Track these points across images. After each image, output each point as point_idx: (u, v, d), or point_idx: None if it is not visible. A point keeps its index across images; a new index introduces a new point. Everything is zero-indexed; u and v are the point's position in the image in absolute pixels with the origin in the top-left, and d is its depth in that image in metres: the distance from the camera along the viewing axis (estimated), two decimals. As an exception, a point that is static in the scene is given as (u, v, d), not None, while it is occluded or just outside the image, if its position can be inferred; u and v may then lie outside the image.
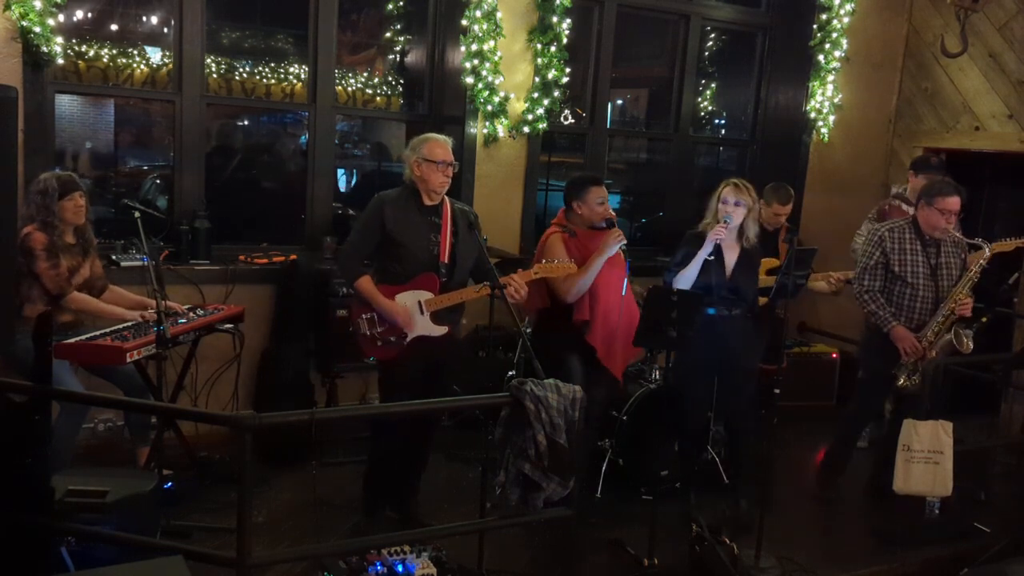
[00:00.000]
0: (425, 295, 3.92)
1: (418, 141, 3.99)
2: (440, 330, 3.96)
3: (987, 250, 4.53)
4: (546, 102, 5.56)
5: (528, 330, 4.50)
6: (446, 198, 4.04)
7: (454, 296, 3.94)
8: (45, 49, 4.32)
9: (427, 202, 3.97)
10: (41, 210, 3.99)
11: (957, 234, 4.57)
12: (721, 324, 4.36)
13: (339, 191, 6.18)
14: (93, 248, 4.25)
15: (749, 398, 4.57)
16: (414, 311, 3.90)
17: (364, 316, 3.94)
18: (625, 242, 4.20)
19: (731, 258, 4.37)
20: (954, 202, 4.47)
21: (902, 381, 4.54)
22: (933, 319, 4.51)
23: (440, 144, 3.97)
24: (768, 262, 4.90)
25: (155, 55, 5.23)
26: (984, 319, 4.77)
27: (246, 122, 6.38)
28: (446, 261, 3.96)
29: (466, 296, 3.98)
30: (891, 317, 4.56)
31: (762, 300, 4.70)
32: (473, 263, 4.08)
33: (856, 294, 4.72)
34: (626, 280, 4.26)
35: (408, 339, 3.92)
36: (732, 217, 4.28)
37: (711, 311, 4.34)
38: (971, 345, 4.46)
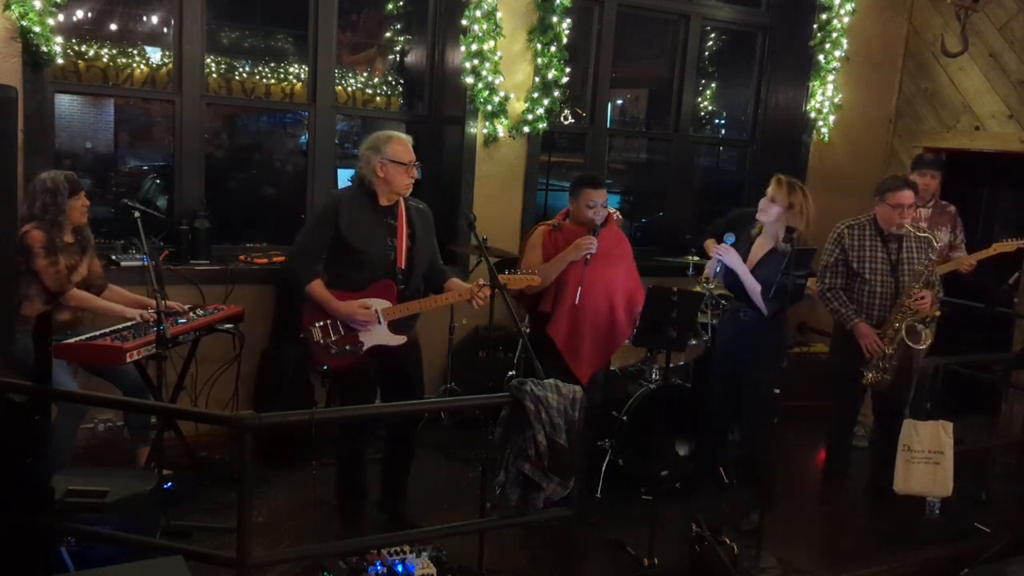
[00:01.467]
0: (382, 303, 3.80)
1: (380, 140, 3.80)
2: (398, 339, 3.87)
3: (934, 242, 4.55)
4: (546, 102, 5.56)
5: (527, 330, 4.48)
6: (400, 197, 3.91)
7: (413, 305, 3.84)
8: (45, 49, 4.32)
9: (383, 202, 3.83)
10: (50, 208, 3.98)
11: (910, 227, 4.55)
12: (738, 322, 4.38)
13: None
14: (91, 247, 4.25)
15: (761, 401, 4.52)
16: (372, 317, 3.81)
17: (317, 324, 3.80)
18: (592, 250, 4.10)
19: (756, 256, 4.35)
20: (905, 196, 4.48)
21: (869, 377, 4.55)
22: (892, 314, 4.52)
23: (404, 143, 3.81)
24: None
25: (155, 55, 5.23)
26: (939, 312, 4.77)
27: (246, 122, 6.39)
28: (403, 267, 3.85)
29: (426, 306, 3.88)
30: (853, 314, 4.58)
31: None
32: (427, 265, 3.99)
33: (819, 293, 4.73)
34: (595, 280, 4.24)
35: (364, 348, 3.83)
36: (764, 215, 4.27)
37: (729, 312, 4.39)
38: (930, 339, 4.44)
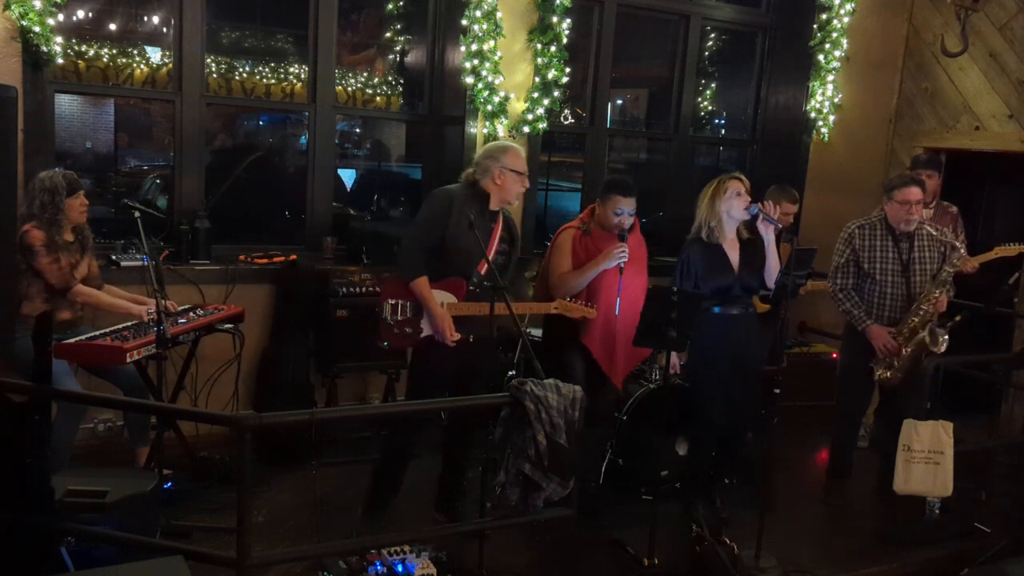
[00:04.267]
0: (449, 298, 3.91)
1: (499, 149, 3.99)
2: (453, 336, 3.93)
3: (959, 248, 4.55)
4: (546, 102, 5.56)
5: (528, 331, 4.47)
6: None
7: (474, 307, 3.90)
8: (45, 49, 4.32)
9: (492, 207, 3.99)
10: (48, 207, 3.99)
11: (931, 228, 4.57)
12: (734, 323, 4.37)
13: (343, 191, 6.18)
14: (91, 247, 4.25)
15: (755, 397, 4.56)
16: None
17: (390, 301, 3.93)
18: (625, 259, 4.14)
19: (735, 256, 4.36)
20: (912, 192, 4.48)
21: (879, 374, 4.56)
22: (908, 315, 4.52)
23: (521, 155, 4.01)
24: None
25: (155, 55, 5.23)
26: (958, 317, 4.77)
27: (246, 122, 6.39)
28: (481, 271, 3.94)
29: (476, 310, 3.88)
30: (865, 315, 4.58)
31: (763, 308, 4.70)
32: (509, 274, 4.08)
33: (830, 293, 4.74)
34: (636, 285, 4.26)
35: (422, 335, 3.93)
36: (756, 207, 4.26)
37: (720, 310, 4.35)
38: (945, 344, 4.44)
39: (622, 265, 4.15)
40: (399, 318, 3.92)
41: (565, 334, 4.28)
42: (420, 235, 3.94)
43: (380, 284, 4.06)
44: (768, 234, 4.27)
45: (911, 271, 4.55)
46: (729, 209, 4.29)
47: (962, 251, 4.62)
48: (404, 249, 3.98)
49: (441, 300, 3.89)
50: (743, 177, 4.37)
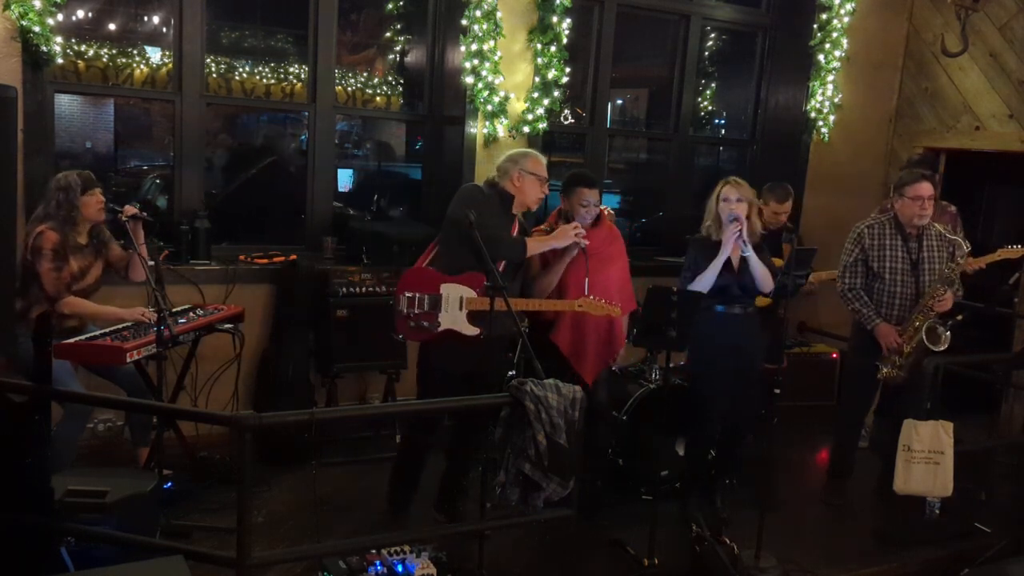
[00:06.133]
0: (468, 292, 3.94)
1: (519, 155, 4.09)
2: (471, 330, 3.95)
3: (964, 246, 4.56)
4: (546, 102, 5.56)
5: (527, 330, 4.47)
6: None
7: (489, 303, 3.89)
8: (45, 49, 4.32)
9: (513, 210, 4.08)
10: (63, 206, 3.98)
11: (940, 227, 4.61)
12: (735, 323, 4.37)
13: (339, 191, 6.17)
14: (108, 243, 4.24)
15: (755, 397, 4.57)
16: (454, 304, 3.93)
17: (407, 294, 3.94)
18: (581, 239, 4.04)
19: (735, 256, 4.36)
20: (924, 188, 4.51)
21: (884, 372, 4.57)
22: (913, 313, 4.53)
23: (542, 162, 4.09)
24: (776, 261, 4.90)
25: (155, 55, 5.22)
26: (959, 316, 4.77)
27: (246, 122, 6.38)
28: (500, 268, 3.95)
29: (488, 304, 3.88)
30: (874, 315, 4.59)
31: (765, 301, 4.69)
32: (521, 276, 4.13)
33: (839, 292, 4.75)
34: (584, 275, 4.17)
35: (440, 328, 3.94)
36: (739, 213, 4.23)
37: (722, 309, 4.35)
38: (947, 341, 4.45)
39: (583, 246, 4.05)
40: (416, 311, 3.93)
41: (535, 332, 4.28)
42: (499, 224, 3.96)
43: (396, 277, 4.06)
44: (746, 248, 4.24)
45: (920, 270, 4.56)
46: (721, 211, 4.30)
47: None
48: (498, 241, 3.92)
49: (460, 294, 3.92)
50: (739, 181, 4.34)
